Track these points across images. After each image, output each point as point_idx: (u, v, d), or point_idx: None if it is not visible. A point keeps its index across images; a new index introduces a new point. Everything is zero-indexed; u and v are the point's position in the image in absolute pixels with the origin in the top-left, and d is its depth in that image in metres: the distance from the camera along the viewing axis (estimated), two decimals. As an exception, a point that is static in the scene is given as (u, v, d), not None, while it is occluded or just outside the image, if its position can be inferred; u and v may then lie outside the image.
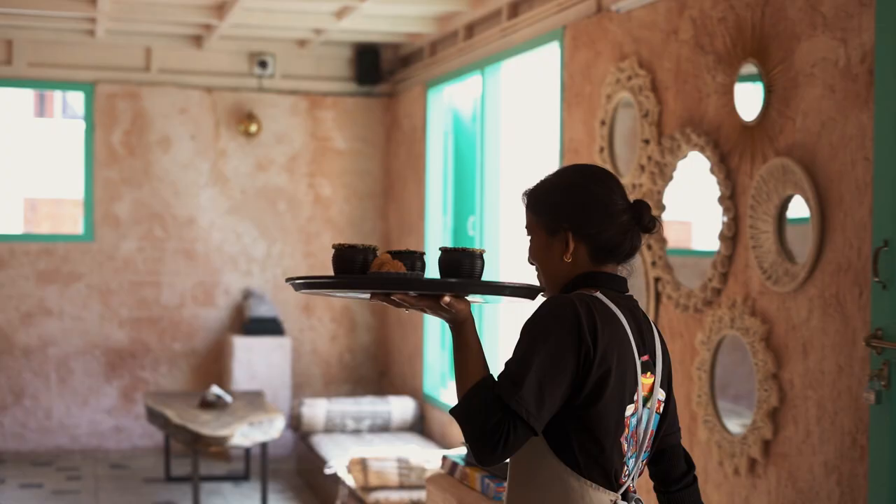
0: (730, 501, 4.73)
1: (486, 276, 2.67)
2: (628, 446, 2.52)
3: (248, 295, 9.44)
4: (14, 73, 9.10)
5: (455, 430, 7.82)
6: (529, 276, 2.78)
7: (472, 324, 2.50)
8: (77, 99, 17.74)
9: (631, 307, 2.59)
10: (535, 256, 2.64)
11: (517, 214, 7.10)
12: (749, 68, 4.61)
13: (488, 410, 2.37)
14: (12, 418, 9.17)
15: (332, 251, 2.59)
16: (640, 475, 2.61)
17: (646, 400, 2.56)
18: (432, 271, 2.96)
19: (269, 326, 9.29)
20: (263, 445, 7.41)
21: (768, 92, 4.47)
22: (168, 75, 9.40)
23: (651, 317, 5.30)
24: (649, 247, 5.34)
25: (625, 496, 2.55)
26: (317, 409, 8.43)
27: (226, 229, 9.55)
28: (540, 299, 2.61)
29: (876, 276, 3.77)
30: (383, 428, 8.52)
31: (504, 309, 7.57)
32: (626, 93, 5.59)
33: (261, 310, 9.31)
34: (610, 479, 2.50)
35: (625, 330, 2.51)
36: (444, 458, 4.00)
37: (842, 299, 4.07)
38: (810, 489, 4.22)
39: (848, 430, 4.03)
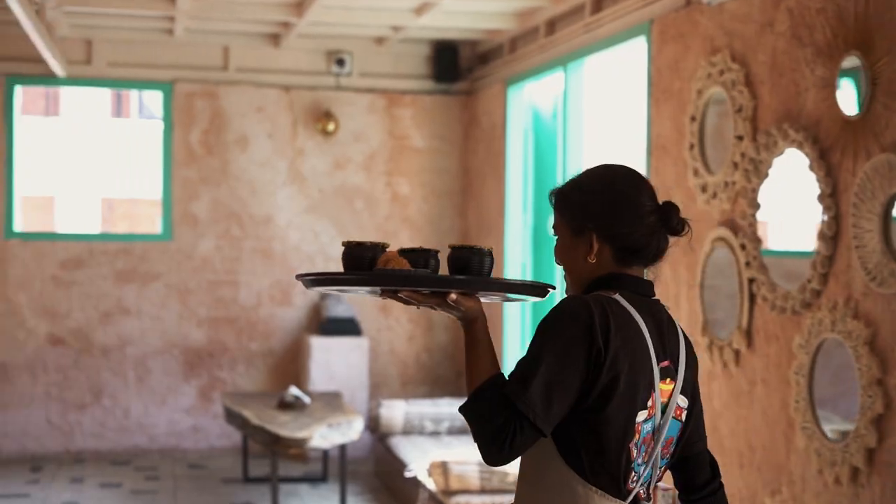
0: (830, 512, 4.55)
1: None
2: (638, 453, 2.46)
3: (325, 295, 9.37)
4: (93, 72, 9.14)
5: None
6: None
7: (482, 322, 2.47)
8: (155, 98, 17.89)
9: (653, 311, 2.52)
10: (560, 257, 2.61)
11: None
12: (852, 61, 4.43)
13: (495, 409, 2.36)
14: (91, 418, 9.19)
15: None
16: (658, 481, 2.56)
17: (664, 406, 2.50)
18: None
19: (347, 326, 9.24)
20: (342, 447, 7.35)
21: (872, 85, 4.29)
22: (246, 74, 9.37)
23: (745, 319, 5.14)
24: (743, 247, 5.17)
25: (634, 503, 2.49)
26: (395, 411, 8.35)
27: (303, 228, 9.51)
28: (553, 300, 2.54)
29: None
30: (462, 430, 8.41)
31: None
32: (718, 88, 5.43)
33: (338, 310, 9.26)
34: (618, 484, 2.44)
35: (642, 334, 2.45)
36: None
37: (954, 302, 3.89)
38: (919, 501, 4.05)
39: (961, 439, 3.85)
